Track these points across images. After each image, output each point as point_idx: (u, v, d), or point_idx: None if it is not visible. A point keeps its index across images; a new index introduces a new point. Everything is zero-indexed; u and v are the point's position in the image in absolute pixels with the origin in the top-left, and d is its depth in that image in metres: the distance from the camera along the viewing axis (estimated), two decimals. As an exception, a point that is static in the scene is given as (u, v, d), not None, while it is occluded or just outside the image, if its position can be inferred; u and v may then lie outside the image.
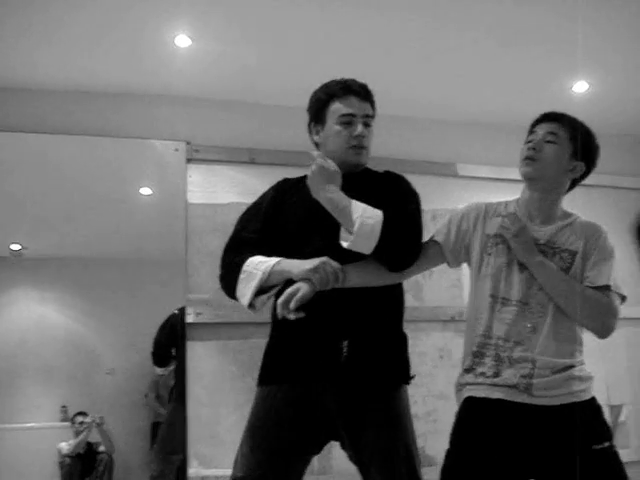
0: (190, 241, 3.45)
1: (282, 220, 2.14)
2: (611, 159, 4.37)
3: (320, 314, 1.99)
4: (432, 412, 3.65)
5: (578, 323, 2.01)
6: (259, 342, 3.44)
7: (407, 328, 3.75)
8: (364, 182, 2.16)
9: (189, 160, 3.55)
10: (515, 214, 2.08)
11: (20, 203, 3.48)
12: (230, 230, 3.34)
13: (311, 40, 3.21)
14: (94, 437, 3.45)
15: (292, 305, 1.90)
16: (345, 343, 2.01)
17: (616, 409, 4.04)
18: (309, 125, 2.22)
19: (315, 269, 1.94)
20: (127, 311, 3.50)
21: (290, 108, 3.68)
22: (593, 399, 1.99)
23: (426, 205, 4.05)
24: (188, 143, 3.56)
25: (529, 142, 2.10)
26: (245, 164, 3.62)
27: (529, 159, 2.07)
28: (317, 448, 2.12)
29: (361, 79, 3.49)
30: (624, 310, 4.36)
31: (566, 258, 2.02)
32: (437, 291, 3.80)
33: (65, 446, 3.43)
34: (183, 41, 3.13)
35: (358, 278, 2.04)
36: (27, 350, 3.45)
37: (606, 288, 1.98)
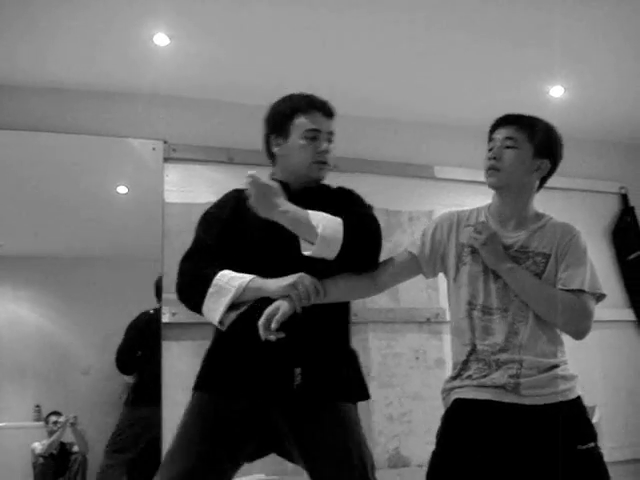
0: (167, 240, 3.44)
1: (243, 232, 2.12)
2: (587, 163, 4.45)
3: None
4: (407, 413, 3.67)
5: (554, 326, 2.02)
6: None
7: (383, 330, 3.80)
8: (320, 196, 2.18)
9: (166, 159, 3.55)
10: (484, 222, 2.08)
11: (-5, 200, 3.45)
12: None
13: (290, 40, 3.21)
14: (68, 437, 3.42)
15: (273, 326, 1.89)
16: (298, 371, 2.01)
17: (589, 410, 4.07)
18: (268, 136, 2.21)
19: (294, 285, 1.94)
20: (102, 310, 3.48)
21: (267, 108, 3.69)
22: (578, 398, 2.00)
23: (403, 207, 4.10)
24: (165, 142, 3.55)
25: (489, 150, 2.12)
26: (223, 164, 3.62)
27: (492, 169, 2.08)
28: (250, 459, 2.13)
29: (340, 81, 3.52)
30: (599, 312, 4.41)
31: (539, 262, 2.02)
32: (413, 293, 3.82)
33: (38, 446, 3.40)
34: (161, 39, 3.13)
35: (337, 292, 2.06)
36: (0, 349, 3.41)
37: (579, 291, 1.98)
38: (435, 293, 3.81)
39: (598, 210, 4.46)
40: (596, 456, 1.93)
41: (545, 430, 1.90)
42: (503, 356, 1.97)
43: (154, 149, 3.53)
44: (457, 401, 2.04)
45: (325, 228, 1.94)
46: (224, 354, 2.10)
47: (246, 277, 1.98)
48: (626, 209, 4.48)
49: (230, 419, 2.02)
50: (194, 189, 3.57)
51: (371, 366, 3.70)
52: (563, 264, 2.01)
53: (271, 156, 2.23)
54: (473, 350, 2.02)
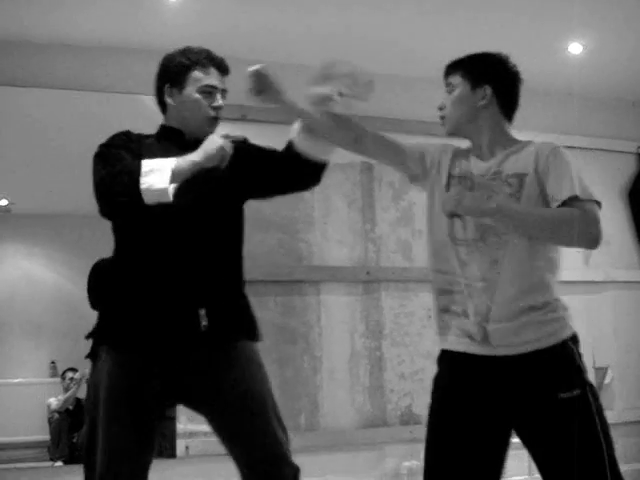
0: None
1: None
2: (605, 122, 4.40)
3: (173, 281, 1.99)
4: (419, 371, 3.69)
5: (563, 246, 1.94)
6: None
7: (396, 288, 3.80)
8: None
9: (180, 117, 3.52)
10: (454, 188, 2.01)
11: (7, 158, 3.44)
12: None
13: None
14: (83, 393, 3.46)
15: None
16: (203, 312, 2.00)
17: (601, 371, 4.09)
18: (161, 86, 2.20)
19: (223, 147, 2.01)
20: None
21: (282, 65, 3.63)
22: (564, 343, 1.87)
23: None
24: (178, 99, 3.53)
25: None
26: (236, 121, 3.58)
27: (440, 119, 2.10)
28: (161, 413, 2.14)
29: (356, 36, 3.47)
30: (611, 273, 4.40)
31: (513, 183, 1.93)
32: (426, 252, 3.80)
33: (54, 401, 3.44)
34: (173, -5, 3.10)
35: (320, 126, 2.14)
36: (15, 306, 3.44)
37: (574, 199, 1.85)
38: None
39: (615, 170, 4.41)
40: (582, 404, 1.81)
41: (522, 382, 1.84)
42: (478, 291, 1.89)
43: (167, 106, 3.50)
44: (442, 354, 2.05)
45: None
46: (124, 303, 2.04)
47: (170, 159, 1.96)
48: (643, 169, 4.43)
49: (140, 376, 1.98)
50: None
51: (384, 324, 3.72)
52: (549, 180, 1.90)
53: (162, 105, 2.23)
54: (454, 279, 1.95)
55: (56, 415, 3.41)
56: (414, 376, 3.69)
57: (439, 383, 2.02)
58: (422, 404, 3.64)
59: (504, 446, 1.93)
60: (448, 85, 2.10)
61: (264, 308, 3.43)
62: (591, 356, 3.99)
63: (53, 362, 3.46)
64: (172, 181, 1.91)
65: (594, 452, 1.79)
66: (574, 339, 1.91)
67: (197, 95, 2.15)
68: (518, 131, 4.37)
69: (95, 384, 2.08)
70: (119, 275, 2.07)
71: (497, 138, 2.06)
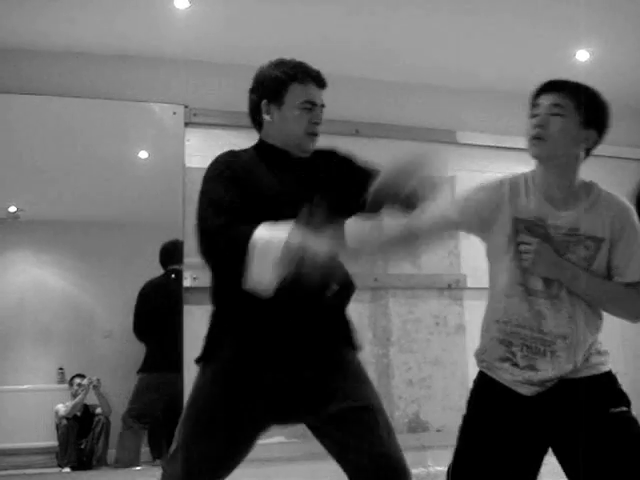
0: (187, 205, 3.43)
1: (255, 195, 2.02)
2: (612, 129, 4.36)
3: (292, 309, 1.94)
4: (427, 378, 3.69)
5: (614, 315, 1.99)
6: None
7: (404, 295, 3.80)
8: (321, 161, 2.14)
9: (187, 124, 3.54)
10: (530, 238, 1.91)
11: (17, 165, 3.46)
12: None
13: (312, 2, 3.17)
14: (91, 399, 3.46)
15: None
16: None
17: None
18: (258, 102, 2.11)
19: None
20: (124, 274, 3.50)
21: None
22: (610, 372, 1.94)
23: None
24: (186, 107, 3.54)
25: (534, 117, 1.93)
26: (244, 128, 3.52)
27: (537, 139, 1.89)
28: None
29: (362, 44, 3.47)
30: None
31: (590, 246, 1.88)
32: (434, 259, 3.80)
33: (62, 408, 3.45)
34: (182, 2, 3.10)
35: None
36: (24, 312, 3.45)
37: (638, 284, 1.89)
38: (457, 260, 3.79)
39: (621, 176, 4.39)
40: (630, 419, 1.86)
41: (576, 399, 1.86)
42: (558, 345, 1.89)
43: (175, 113, 3.52)
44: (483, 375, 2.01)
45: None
46: (249, 323, 2.00)
47: (283, 233, 1.83)
48: (650, 176, 4.42)
49: (255, 393, 1.96)
50: (215, 154, 3.51)
51: (391, 331, 3.71)
52: (619, 249, 1.88)
53: (257, 121, 2.16)
54: (516, 331, 1.92)
55: (64, 421, 3.42)
56: (422, 383, 3.69)
57: (477, 398, 2.01)
58: (429, 411, 3.64)
59: (537, 466, 1.92)
60: (555, 106, 1.89)
61: (272, 314, 3.44)
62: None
63: (61, 368, 3.47)
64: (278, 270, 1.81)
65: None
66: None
67: (297, 111, 2.06)
68: (523, 138, 4.38)
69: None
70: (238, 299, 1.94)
71: (575, 182, 1.94)
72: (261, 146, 2.16)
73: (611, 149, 4.34)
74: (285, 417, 2.05)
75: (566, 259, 1.88)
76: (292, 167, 2.07)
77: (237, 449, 1.97)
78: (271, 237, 1.81)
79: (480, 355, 2.00)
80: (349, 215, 2.13)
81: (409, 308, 3.76)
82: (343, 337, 2.09)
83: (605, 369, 1.93)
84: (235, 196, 1.98)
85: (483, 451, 1.90)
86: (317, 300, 1.93)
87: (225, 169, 2.10)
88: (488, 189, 1.98)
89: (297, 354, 1.97)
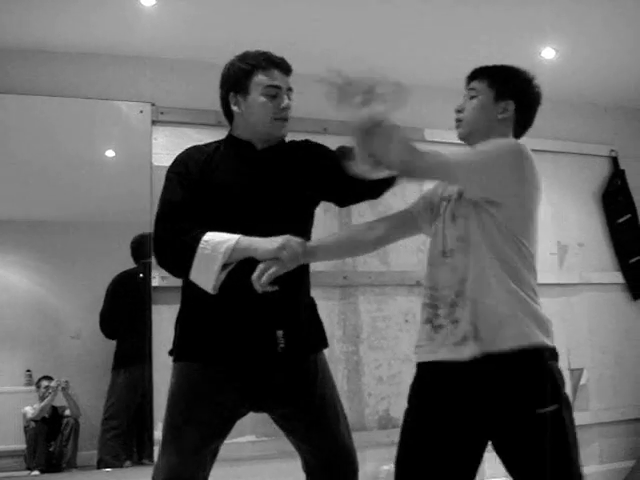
0: (155, 204, 3.39)
1: (213, 189, 2.09)
2: (578, 126, 4.45)
3: (253, 300, 1.99)
4: (396, 375, 3.71)
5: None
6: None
7: (373, 292, 3.82)
8: (288, 151, 2.21)
9: (154, 122, 3.52)
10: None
11: (-20, 165, 3.42)
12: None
13: (279, 1, 3.17)
14: (59, 401, 3.43)
15: (264, 279, 1.90)
16: (280, 334, 2.05)
17: (577, 372, 4.13)
18: (226, 95, 2.17)
19: (282, 247, 1.94)
20: (91, 274, 3.47)
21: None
22: (535, 347, 1.86)
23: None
24: (153, 105, 3.52)
25: None
26: (211, 126, 3.58)
27: (456, 122, 2.10)
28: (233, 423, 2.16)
29: (327, 42, 3.48)
30: (586, 275, 4.43)
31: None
32: (403, 256, 3.83)
33: (30, 410, 3.41)
34: (147, 0, 3.08)
35: (326, 252, 2.13)
36: (-10, 314, 3.41)
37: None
38: (424, 256, 3.80)
39: (588, 173, 4.46)
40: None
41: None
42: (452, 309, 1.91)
43: (142, 112, 3.49)
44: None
45: None
46: (204, 319, 2.08)
47: (232, 239, 1.96)
48: (616, 172, 4.48)
49: (220, 387, 2.04)
50: (182, 152, 3.55)
51: (361, 328, 3.73)
52: None
53: (229, 115, 2.21)
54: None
55: (32, 424, 3.38)
56: (392, 380, 3.71)
57: (412, 390, 2.06)
58: (400, 408, 3.64)
59: (478, 457, 1.93)
60: (471, 90, 2.09)
61: (241, 313, 3.44)
62: (567, 358, 4.04)
63: (29, 370, 3.43)
64: (222, 269, 1.95)
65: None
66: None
67: (262, 98, 2.10)
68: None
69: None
70: (201, 293, 2.02)
71: None
72: (227, 139, 2.21)
73: (578, 146, 4.42)
74: (257, 405, 2.14)
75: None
76: (256, 158, 2.11)
77: (221, 437, 2.09)
78: (214, 246, 1.94)
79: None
80: (321, 199, 2.24)
81: (378, 305, 3.78)
82: (307, 333, 2.16)
83: (525, 343, 1.83)
84: (187, 196, 2.06)
85: (421, 444, 1.94)
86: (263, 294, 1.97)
87: (182, 168, 2.13)
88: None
89: (259, 361, 2.06)
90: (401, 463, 1.97)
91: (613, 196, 4.44)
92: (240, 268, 1.97)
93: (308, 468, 2.21)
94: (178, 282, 3.33)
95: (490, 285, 1.86)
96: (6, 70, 3.35)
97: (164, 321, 3.35)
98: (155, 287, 3.35)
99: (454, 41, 3.59)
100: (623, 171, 4.48)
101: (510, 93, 2.05)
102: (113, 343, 3.48)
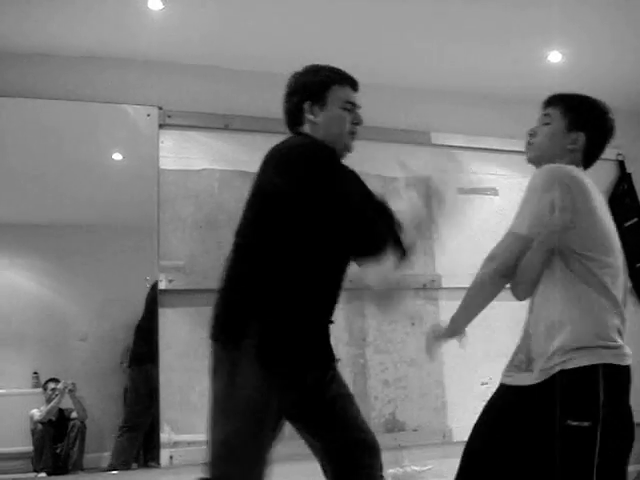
0: (162, 208, 3.43)
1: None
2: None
3: (326, 311, 2.19)
4: (402, 378, 3.70)
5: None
6: (231, 309, 3.44)
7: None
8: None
9: (161, 126, 3.52)
10: None
11: (-11, 168, 3.43)
12: (203, 196, 3.34)
13: (285, 6, 3.18)
14: (66, 403, 3.44)
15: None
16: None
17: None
18: (302, 103, 2.20)
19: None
20: (98, 278, 3.48)
21: (265, 74, 3.66)
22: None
23: (399, 173, 4.09)
24: (160, 108, 3.53)
25: None
26: (219, 130, 3.60)
27: (527, 145, 2.16)
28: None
29: (335, 47, 3.48)
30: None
31: None
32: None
33: (37, 412, 3.42)
34: (155, 4, 3.09)
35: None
36: (-2, 316, 3.42)
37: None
38: (431, 260, 3.81)
39: (595, 177, 4.43)
40: (584, 436, 1.83)
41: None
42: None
43: (149, 115, 3.50)
44: None
45: None
46: (298, 328, 2.09)
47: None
48: (623, 176, 4.47)
49: (283, 396, 2.06)
50: (189, 156, 3.56)
51: (367, 332, 3.72)
52: None
53: (297, 122, 2.23)
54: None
55: (39, 426, 3.39)
56: (398, 383, 3.70)
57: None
58: (405, 411, 3.65)
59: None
60: (545, 115, 2.14)
61: (248, 316, 3.44)
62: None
63: (36, 373, 3.44)
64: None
65: None
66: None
67: (341, 112, 2.19)
68: (499, 138, 4.41)
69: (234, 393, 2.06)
70: (284, 291, 2.05)
71: None
72: None
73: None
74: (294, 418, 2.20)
75: None
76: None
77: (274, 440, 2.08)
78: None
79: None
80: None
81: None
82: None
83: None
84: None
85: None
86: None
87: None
88: None
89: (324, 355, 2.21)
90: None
91: (619, 200, 4.42)
92: (322, 276, 2.11)
93: (329, 458, 2.22)
94: (183, 285, 3.37)
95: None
96: (12, 74, 3.36)
97: (170, 324, 3.36)
98: (161, 290, 3.36)
99: (461, 45, 3.58)
100: (630, 175, 4.47)
101: (582, 125, 2.11)
102: (120, 346, 3.50)
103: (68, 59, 3.44)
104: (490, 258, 2.00)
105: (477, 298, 2.05)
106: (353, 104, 2.22)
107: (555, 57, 3.72)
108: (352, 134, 2.23)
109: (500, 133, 4.06)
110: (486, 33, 3.47)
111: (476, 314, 2.09)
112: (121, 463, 3.36)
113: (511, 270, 1.99)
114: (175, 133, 3.55)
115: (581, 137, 2.10)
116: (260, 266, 2.04)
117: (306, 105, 2.19)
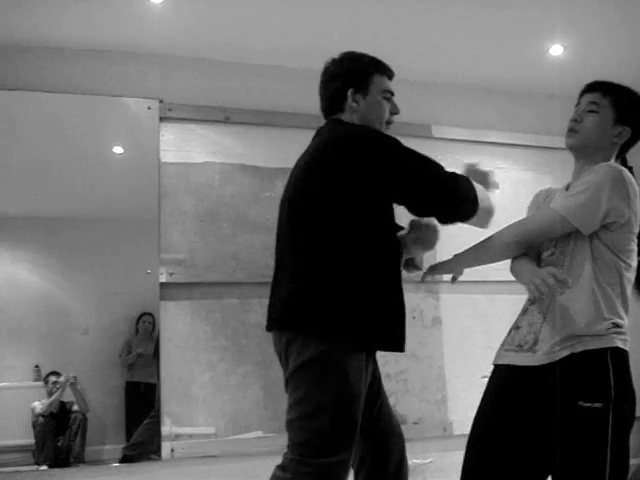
0: (163, 201, 3.44)
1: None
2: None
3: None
4: (403, 371, 3.70)
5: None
6: (231, 302, 3.46)
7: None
8: None
9: (162, 119, 3.52)
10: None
11: (-10, 161, 3.43)
12: (204, 190, 3.34)
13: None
14: (68, 396, 3.45)
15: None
16: None
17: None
18: (345, 89, 2.22)
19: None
20: (99, 270, 3.48)
21: (266, 67, 3.66)
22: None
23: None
24: (161, 101, 3.53)
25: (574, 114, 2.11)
26: (219, 123, 3.60)
27: (571, 130, 2.08)
28: None
29: (337, 38, 3.47)
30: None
31: None
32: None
33: (38, 405, 3.42)
34: (157, -4, 3.09)
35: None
36: (-1, 309, 3.43)
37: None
38: (431, 253, 3.80)
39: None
40: (597, 417, 1.84)
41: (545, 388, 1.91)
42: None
43: (150, 108, 3.50)
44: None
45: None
46: (390, 309, 2.22)
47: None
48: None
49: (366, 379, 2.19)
50: (190, 149, 3.56)
51: (368, 325, 3.72)
52: None
53: (338, 107, 2.24)
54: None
55: (40, 419, 3.40)
56: (398, 376, 3.70)
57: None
58: (406, 404, 3.66)
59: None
60: (592, 103, 2.07)
61: (248, 310, 3.44)
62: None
63: (37, 366, 3.44)
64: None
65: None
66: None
67: (382, 100, 2.24)
68: (500, 132, 4.40)
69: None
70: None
71: None
72: None
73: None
74: None
75: None
76: None
77: None
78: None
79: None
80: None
81: (386, 302, 3.77)
82: None
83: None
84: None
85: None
86: None
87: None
88: (535, 200, 2.30)
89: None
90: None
91: (621, 193, 4.42)
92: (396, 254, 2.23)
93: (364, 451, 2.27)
94: (185, 278, 3.38)
95: None
96: (15, 67, 3.36)
97: (171, 317, 3.36)
98: (162, 283, 3.36)
99: (462, 38, 3.58)
100: (631, 168, 4.45)
101: (630, 120, 2.07)
102: (121, 339, 3.51)
103: (69, 52, 3.44)
104: (522, 224, 2.04)
105: (488, 252, 2.09)
106: (392, 93, 2.27)
107: (557, 50, 3.70)
108: (389, 123, 2.27)
109: (501, 126, 4.05)
110: (488, 26, 3.46)
111: (479, 264, 2.14)
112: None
113: (531, 243, 2.04)
114: (176, 126, 3.55)
115: (626, 132, 2.07)
116: (347, 253, 2.05)
117: (350, 92, 2.21)
